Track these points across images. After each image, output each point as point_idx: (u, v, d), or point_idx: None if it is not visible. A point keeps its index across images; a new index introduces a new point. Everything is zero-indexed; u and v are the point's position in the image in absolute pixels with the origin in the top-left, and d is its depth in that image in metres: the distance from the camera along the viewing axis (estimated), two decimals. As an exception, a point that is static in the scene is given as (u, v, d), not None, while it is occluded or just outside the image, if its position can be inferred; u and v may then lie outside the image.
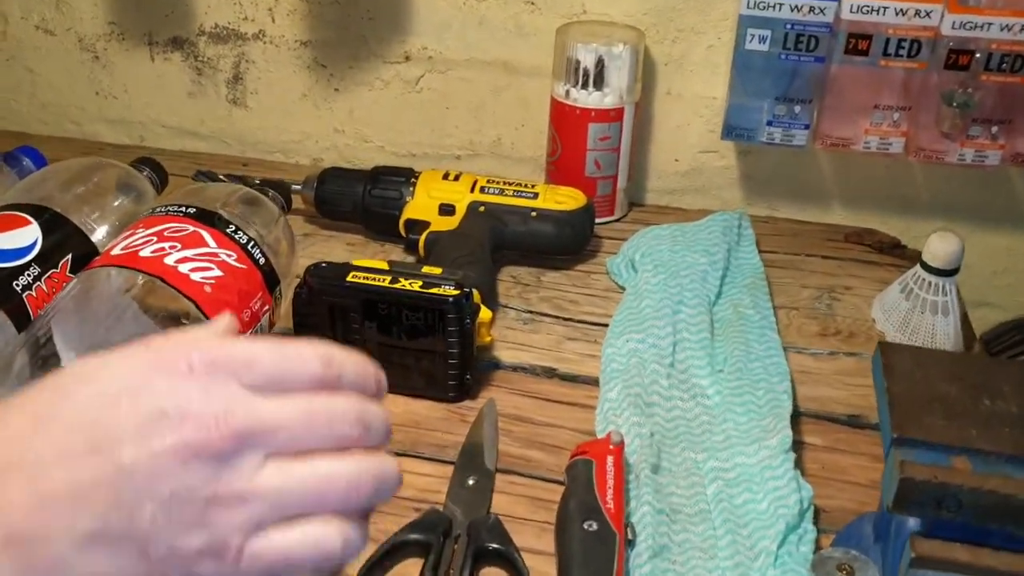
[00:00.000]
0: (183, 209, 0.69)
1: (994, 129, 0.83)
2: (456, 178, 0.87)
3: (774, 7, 0.80)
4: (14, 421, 0.36)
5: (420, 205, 0.86)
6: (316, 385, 0.38)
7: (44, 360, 0.60)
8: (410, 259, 0.87)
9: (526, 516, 0.61)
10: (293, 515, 0.36)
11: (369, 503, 0.38)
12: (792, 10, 0.80)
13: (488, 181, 0.87)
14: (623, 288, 0.82)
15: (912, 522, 0.48)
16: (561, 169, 0.92)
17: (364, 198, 0.88)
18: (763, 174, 0.97)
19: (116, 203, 0.78)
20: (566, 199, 0.85)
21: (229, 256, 0.67)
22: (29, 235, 0.69)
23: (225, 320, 0.40)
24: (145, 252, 0.64)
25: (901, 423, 0.50)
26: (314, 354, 0.38)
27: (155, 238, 0.65)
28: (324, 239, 0.91)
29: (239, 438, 0.35)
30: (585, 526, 0.56)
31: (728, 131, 0.89)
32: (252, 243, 0.69)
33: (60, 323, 0.61)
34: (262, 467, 0.35)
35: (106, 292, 0.64)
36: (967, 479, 0.44)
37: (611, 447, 0.61)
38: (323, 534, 0.36)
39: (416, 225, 0.86)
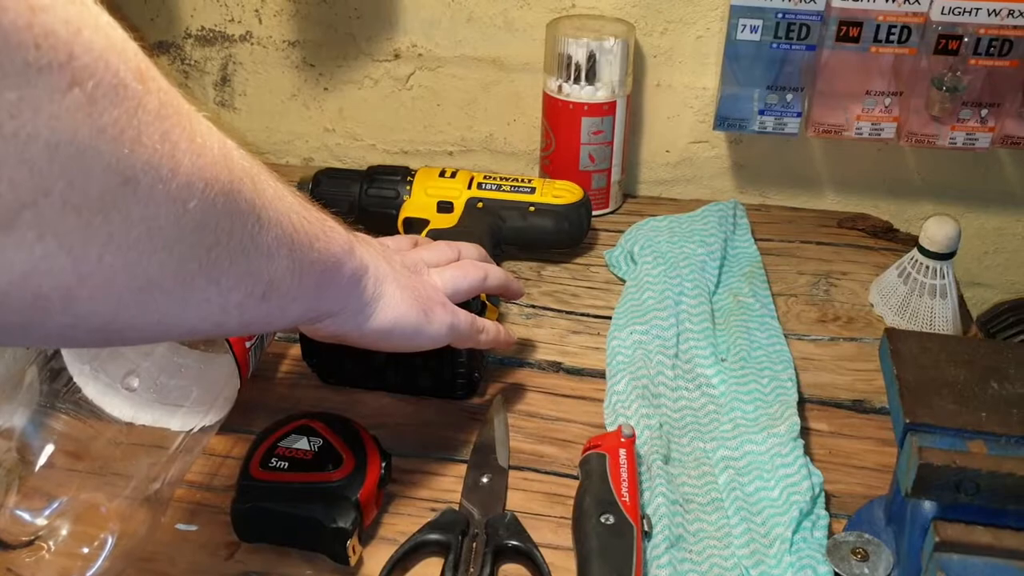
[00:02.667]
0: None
1: (984, 112, 0.84)
2: (453, 175, 0.87)
3: (765, -3, 0.81)
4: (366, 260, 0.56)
5: (418, 203, 0.86)
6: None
7: (53, 373, 0.60)
8: (408, 258, 0.87)
9: (542, 512, 0.61)
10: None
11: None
12: (783, -1, 0.81)
13: (485, 177, 0.87)
14: (623, 280, 0.83)
15: (928, 506, 0.49)
16: (555, 163, 0.92)
17: (361, 198, 0.88)
18: (754, 162, 0.97)
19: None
20: (563, 193, 0.85)
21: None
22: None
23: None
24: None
25: (913, 409, 0.51)
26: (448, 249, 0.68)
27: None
28: (321, 240, 0.90)
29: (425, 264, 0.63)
30: (602, 520, 0.56)
31: (720, 122, 0.89)
32: (255, 248, 0.69)
33: (68, 335, 0.61)
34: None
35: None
36: (984, 463, 0.45)
37: (622, 440, 0.61)
38: (490, 325, 0.66)
39: (415, 223, 0.86)
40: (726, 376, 0.71)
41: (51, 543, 0.51)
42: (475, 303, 0.68)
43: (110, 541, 0.52)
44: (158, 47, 1.02)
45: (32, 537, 0.50)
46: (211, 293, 0.39)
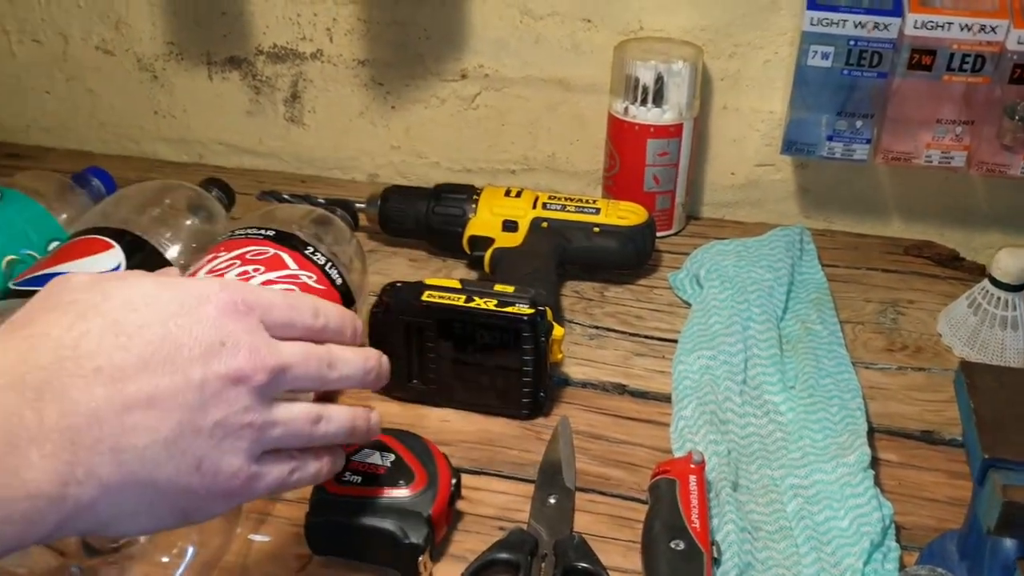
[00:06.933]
0: (262, 231, 0.70)
1: (1057, 142, 0.83)
2: (518, 194, 0.88)
3: (838, 24, 0.81)
4: (95, 325, 0.40)
5: (483, 222, 0.87)
6: (308, 332, 0.47)
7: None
8: (473, 275, 0.88)
9: (609, 535, 0.61)
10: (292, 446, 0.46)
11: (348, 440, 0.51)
12: (856, 26, 0.81)
13: (550, 197, 0.87)
14: (687, 303, 0.83)
15: (1009, 543, 0.48)
16: (619, 184, 0.93)
17: (427, 215, 0.89)
18: (820, 187, 0.97)
19: (188, 223, 0.79)
20: (628, 214, 0.86)
21: (309, 277, 0.68)
22: (112, 259, 0.70)
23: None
24: (230, 276, 0.65)
25: (992, 444, 0.50)
26: (308, 306, 0.48)
27: (238, 262, 0.67)
28: (387, 255, 0.92)
29: (272, 373, 0.43)
30: (672, 545, 0.56)
31: (788, 146, 0.89)
32: (329, 263, 0.70)
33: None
34: (276, 404, 0.45)
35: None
36: (1072, 502, 0.44)
37: (692, 466, 0.61)
38: (311, 470, 0.48)
39: (480, 242, 0.87)
40: (794, 404, 0.70)
41: (134, 551, 0.52)
42: (543, 323, 0.69)
43: (190, 551, 0.53)
44: (230, 62, 1.04)
45: (117, 544, 0.51)
46: None
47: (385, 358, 0.53)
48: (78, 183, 0.86)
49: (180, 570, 0.53)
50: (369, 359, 0.51)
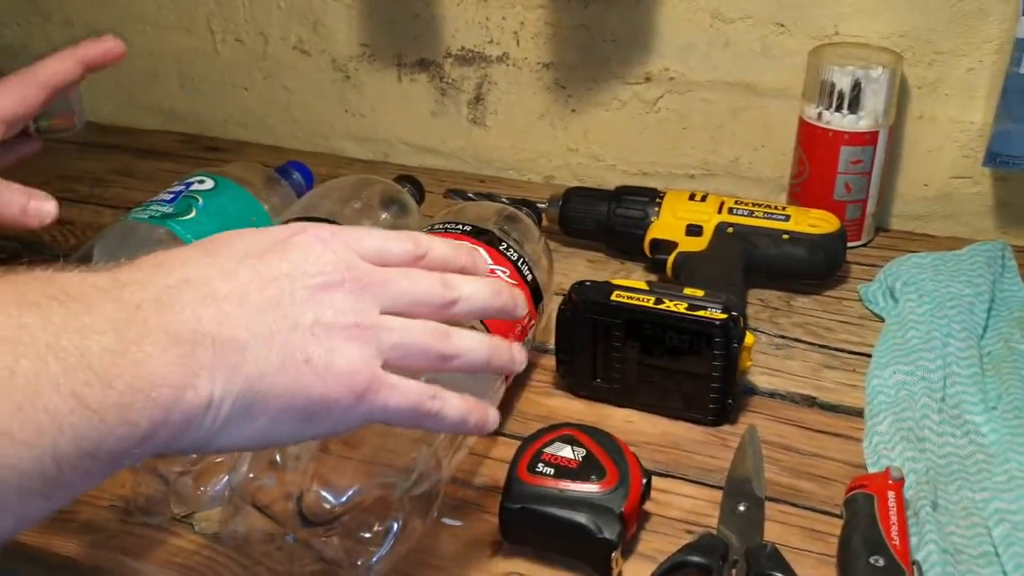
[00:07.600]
0: (460, 226, 0.72)
1: None
2: (702, 199, 0.87)
3: (1057, 30, 0.77)
4: (179, 253, 0.43)
5: (666, 225, 0.87)
6: (409, 260, 0.47)
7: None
8: (653, 278, 0.88)
9: (801, 546, 0.60)
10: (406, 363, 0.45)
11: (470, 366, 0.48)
12: (1078, 32, 0.77)
13: (736, 202, 0.86)
14: (879, 316, 0.80)
15: None
16: (807, 191, 0.91)
17: (608, 217, 0.90)
18: (1021, 202, 0.92)
19: (383, 216, 0.82)
20: (819, 222, 0.84)
21: (503, 272, 0.70)
22: (319, 247, 0.73)
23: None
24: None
25: None
26: (405, 234, 0.49)
27: (438, 254, 0.69)
28: (565, 256, 0.93)
29: (364, 283, 0.44)
30: (871, 561, 0.55)
31: (991, 158, 0.85)
32: (521, 260, 0.72)
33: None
34: (390, 316, 0.45)
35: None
36: None
37: (891, 482, 0.59)
38: (456, 405, 0.48)
39: (662, 245, 0.86)
40: (997, 425, 0.67)
41: (343, 524, 0.54)
42: (736, 329, 0.68)
43: (395, 527, 0.55)
44: (419, 65, 1.07)
45: (331, 517, 0.54)
46: None
47: (519, 291, 0.52)
48: (281, 175, 0.90)
49: (385, 548, 0.55)
50: (496, 283, 0.49)
